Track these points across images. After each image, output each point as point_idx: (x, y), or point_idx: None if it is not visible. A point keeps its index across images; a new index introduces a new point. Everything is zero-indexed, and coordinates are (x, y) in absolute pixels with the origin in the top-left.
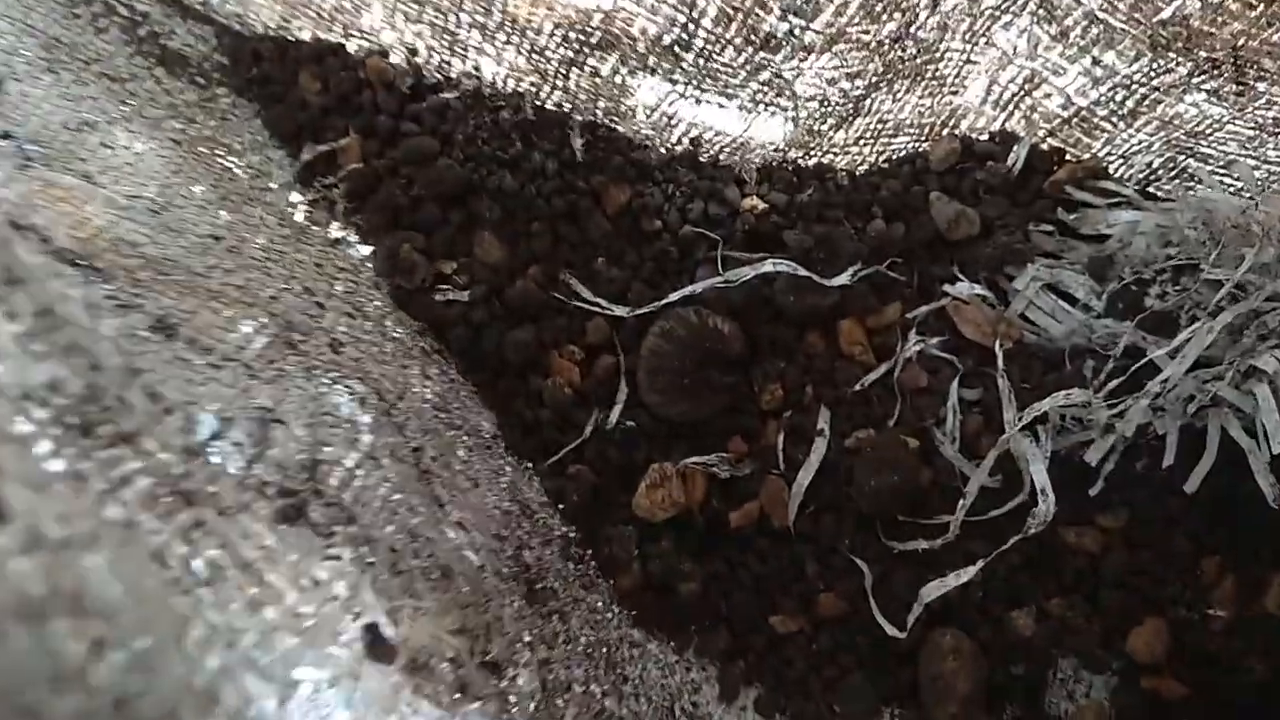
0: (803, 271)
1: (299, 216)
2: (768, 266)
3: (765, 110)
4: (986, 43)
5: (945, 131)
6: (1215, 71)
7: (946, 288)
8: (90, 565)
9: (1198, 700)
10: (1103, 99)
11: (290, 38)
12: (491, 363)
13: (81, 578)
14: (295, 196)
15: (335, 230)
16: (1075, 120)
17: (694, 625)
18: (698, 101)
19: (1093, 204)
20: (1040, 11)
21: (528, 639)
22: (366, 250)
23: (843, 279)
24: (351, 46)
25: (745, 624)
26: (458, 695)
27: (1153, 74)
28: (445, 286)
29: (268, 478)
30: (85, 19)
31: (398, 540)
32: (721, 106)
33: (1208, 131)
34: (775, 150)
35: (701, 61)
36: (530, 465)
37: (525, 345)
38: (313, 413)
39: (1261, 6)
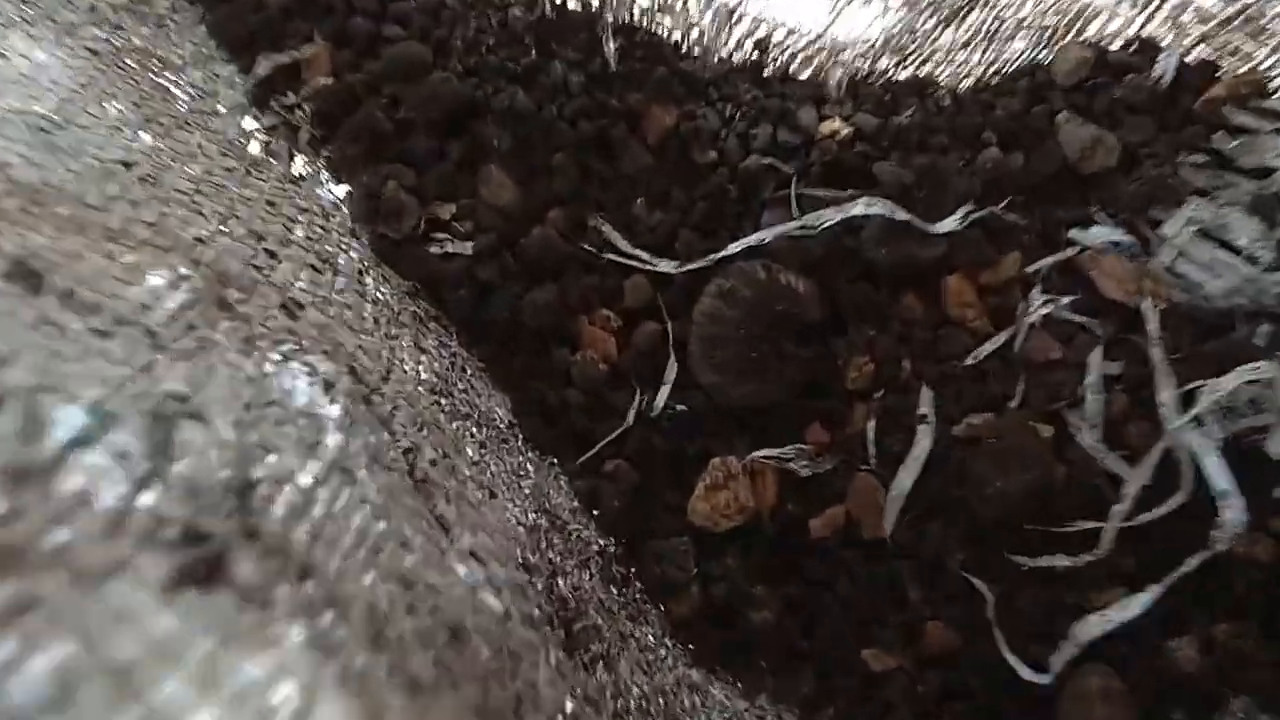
0: (902, 214)
1: (254, 148)
2: (858, 207)
3: None
4: None
5: (1072, 37)
6: None
7: (1076, 234)
8: None
9: None
10: None
11: None
12: (504, 332)
13: None
14: (249, 123)
15: (300, 165)
16: (1237, 21)
17: (768, 663)
18: None
19: (1258, 129)
20: None
21: (570, 708)
22: (341, 191)
23: (951, 223)
24: None
25: (832, 662)
26: None
27: None
28: (442, 235)
29: (166, 511)
30: None
31: (382, 595)
32: None
33: None
34: (862, 58)
35: None
36: (556, 462)
37: (546, 309)
38: (251, 403)
39: None
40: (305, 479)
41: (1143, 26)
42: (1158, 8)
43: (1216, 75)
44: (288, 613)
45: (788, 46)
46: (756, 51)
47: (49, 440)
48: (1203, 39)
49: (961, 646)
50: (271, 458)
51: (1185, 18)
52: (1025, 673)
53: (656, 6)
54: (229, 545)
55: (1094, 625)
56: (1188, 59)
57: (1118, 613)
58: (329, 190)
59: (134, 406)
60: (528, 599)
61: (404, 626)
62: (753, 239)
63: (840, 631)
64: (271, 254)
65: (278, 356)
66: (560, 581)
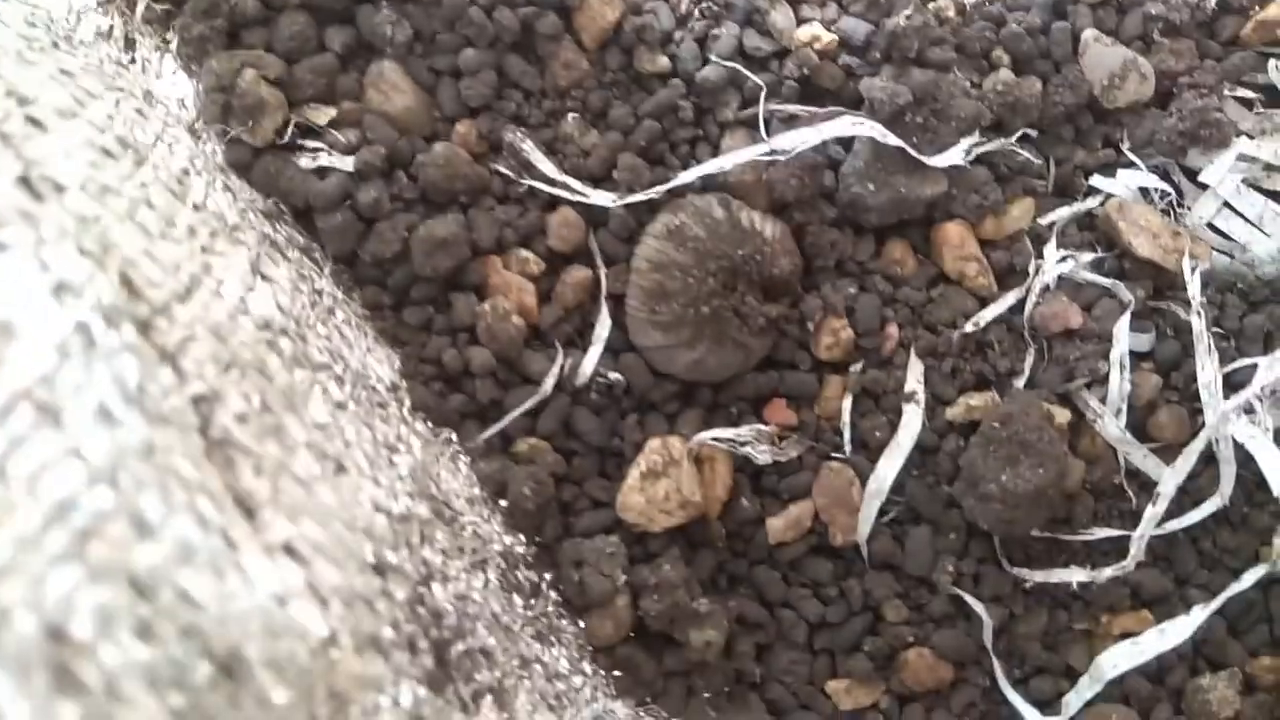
0: (894, 140)
1: (84, 29)
2: (841, 127)
3: None
4: None
5: None
6: None
7: (1099, 180)
8: None
9: None
10: None
11: None
12: (392, 273)
13: None
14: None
15: (143, 50)
16: None
17: (710, 696)
18: None
19: None
20: None
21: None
22: (191, 84)
23: (954, 155)
24: None
25: (791, 695)
26: None
27: None
28: (316, 145)
29: None
30: None
31: (86, 606)
32: None
33: None
34: None
35: None
36: (454, 438)
37: (447, 246)
38: None
39: None
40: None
41: None
42: None
43: None
44: None
45: None
46: None
47: None
48: None
49: (951, 680)
50: None
51: None
52: (1030, 713)
53: None
54: None
55: (1122, 655)
56: None
57: (1154, 641)
58: (174, 81)
59: None
60: (376, 614)
61: (120, 660)
62: (710, 166)
63: (802, 659)
64: (35, 122)
65: None
66: (436, 589)
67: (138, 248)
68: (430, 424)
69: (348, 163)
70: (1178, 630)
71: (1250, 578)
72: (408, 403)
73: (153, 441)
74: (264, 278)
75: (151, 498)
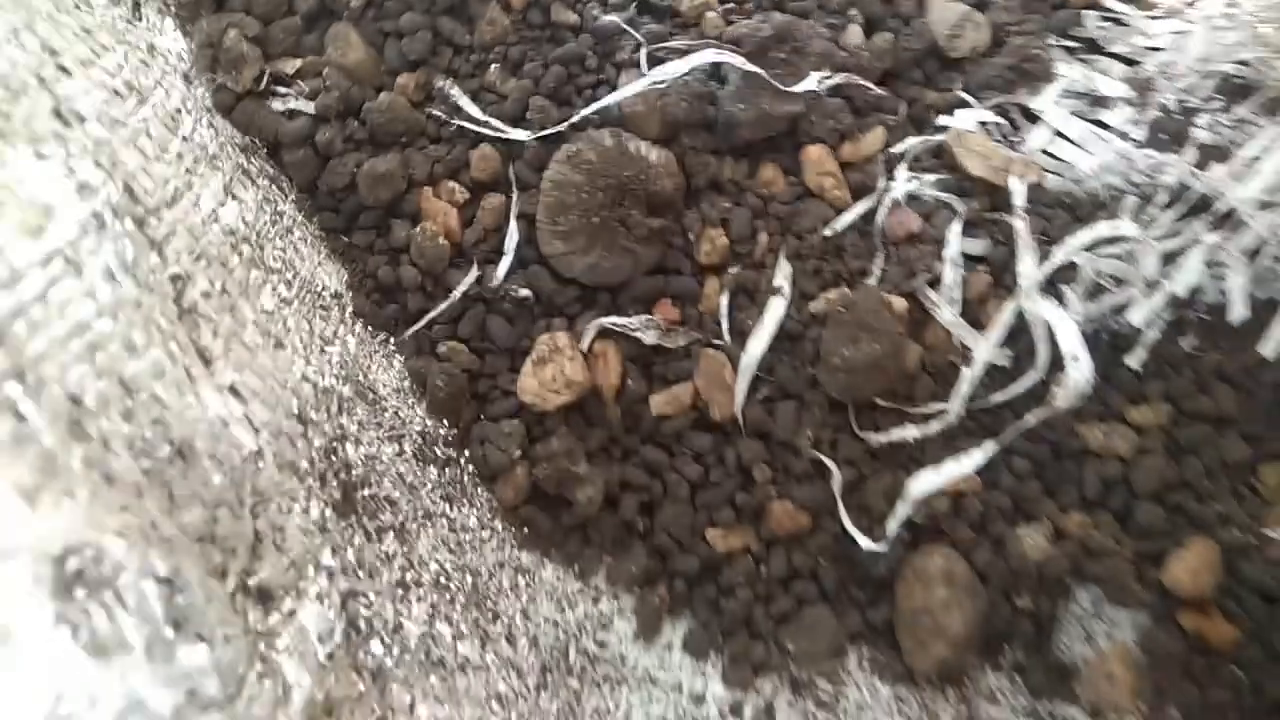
0: (751, 68)
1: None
2: (707, 55)
3: None
4: None
5: None
6: None
7: (944, 119)
8: None
9: (1251, 646)
10: None
11: None
12: (342, 199)
13: None
14: None
15: (148, 13)
16: None
17: (602, 545)
18: None
19: (1129, 15)
20: None
21: (328, 562)
22: (186, 41)
23: (809, 83)
24: None
25: (673, 542)
26: (170, 629)
27: None
28: (285, 91)
29: None
30: None
31: (91, 390)
32: None
33: None
34: None
35: None
36: (390, 339)
37: (387, 179)
38: None
39: None
40: (19, 259)
41: None
42: None
43: None
44: None
45: None
46: None
47: None
48: None
49: (809, 527)
50: None
51: None
52: (865, 543)
53: None
54: None
55: (927, 479)
56: None
57: (952, 468)
58: (172, 38)
59: None
60: (295, 448)
61: (112, 427)
62: (606, 100)
63: (683, 512)
64: (64, 69)
65: (33, 152)
66: (349, 448)
67: (137, 165)
68: (370, 328)
69: (310, 107)
70: (971, 460)
71: (1033, 418)
72: (350, 309)
73: (140, 300)
74: (234, 197)
75: (138, 332)
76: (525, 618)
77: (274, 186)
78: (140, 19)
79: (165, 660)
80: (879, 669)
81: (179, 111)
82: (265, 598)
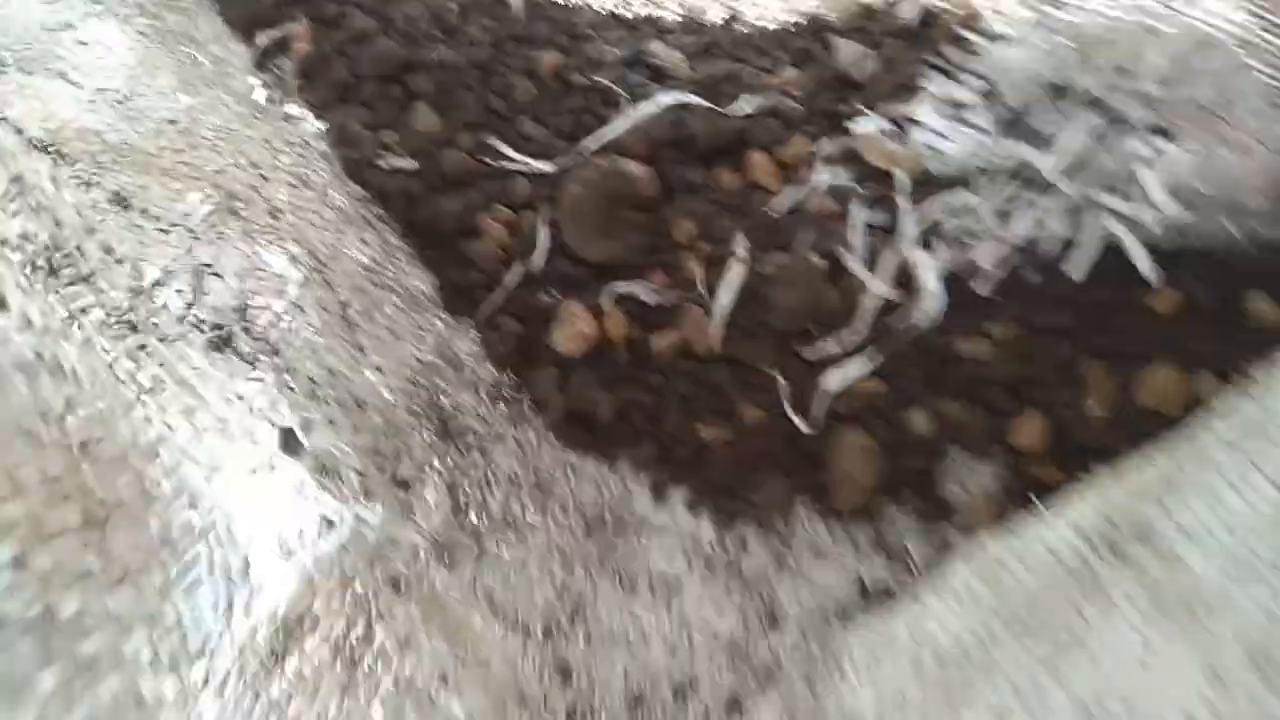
0: (698, 101)
1: (257, 96)
2: (668, 98)
3: None
4: None
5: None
6: None
7: (850, 125)
8: (64, 347)
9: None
10: None
11: None
12: (427, 228)
13: (57, 353)
14: (252, 80)
15: (292, 109)
16: None
17: (621, 443)
18: None
19: (978, 45)
20: None
21: (436, 464)
22: (321, 125)
23: (744, 106)
24: None
25: (672, 438)
26: (361, 496)
27: None
28: (388, 155)
29: (202, 316)
30: None
31: (317, 373)
32: None
33: None
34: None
35: None
36: (466, 320)
37: (456, 212)
38: (246, 268)
39: None
40: (277, 308)
41: None
42: None
43: (945, 12)
44: (265, 369)
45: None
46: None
47: (144, 281)
48: None
49: (766, 419)
50: (258, 297)
51: None
52: (803, 427)
53: None
54: (233, 334)
55: (836, 377)
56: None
57: (855, 369)
58: (311, 124)
59: (183, 268)
60: (411, 401)
61: (328, 392)
62: (603, 135)
63: (681, 418)
64: (264, 177)
65: (264, 242)
66: (442, 399)
67: (315, 236)
68: (454, 315)
69: (405, 164)
70: (857, 365)
71: (906, 335)
72: (441, 305)
73: (324, 319)
74: (364, 242)
75: (334, 340)
76: (572, 495)
77: (385, 226)
78: (292, 120)
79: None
80: (818, 511)
81: (326, 187)
82: (404, 485)
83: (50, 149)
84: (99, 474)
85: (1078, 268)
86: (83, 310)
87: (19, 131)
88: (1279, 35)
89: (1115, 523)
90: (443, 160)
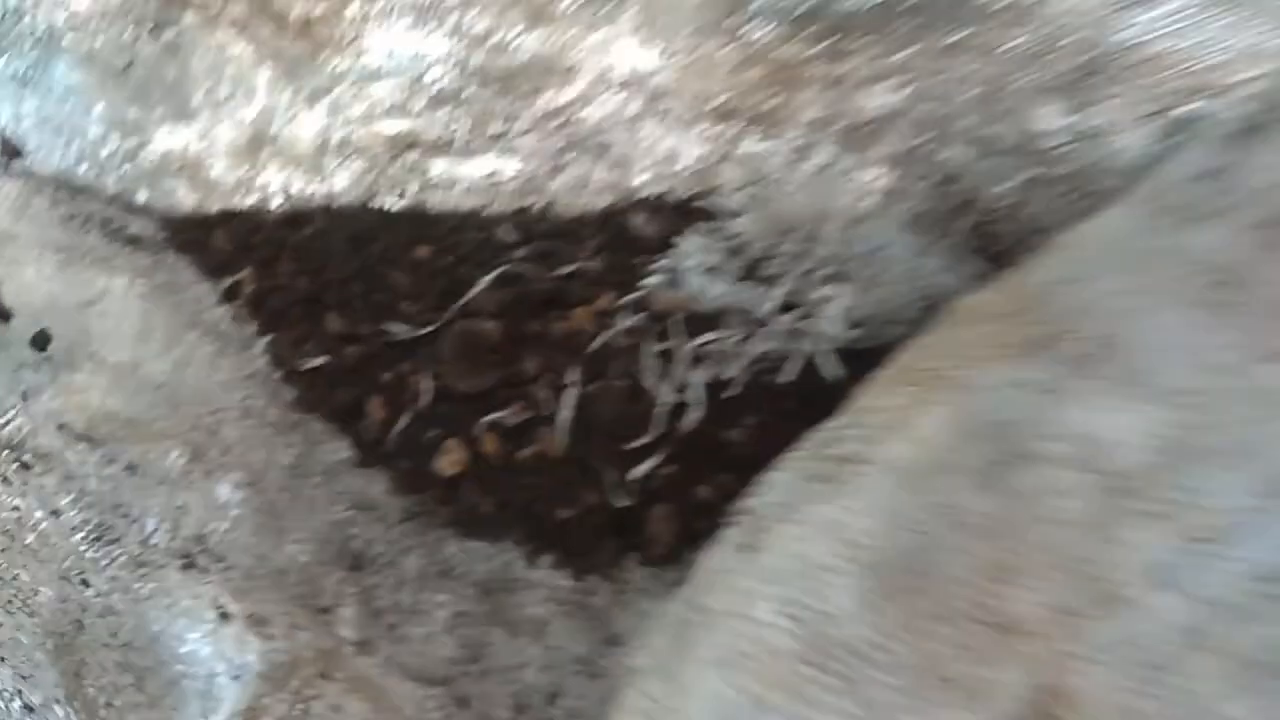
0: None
1: (225, 327)
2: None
3: None
4: None
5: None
6: None
7: (644, 283)
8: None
9: None
10: None
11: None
12: (340, 405)
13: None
14: (220, 312)
15: (247, 332)
16: None
17: (501, 528)
18: None
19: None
20: None
21: (350, 589)
22: (264, 342)
23: (570, 268)
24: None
25: (538, 519)
26: (291, 628)
27: None
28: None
29: (178, 546)
30: (75, 226)
31: (249, 564)
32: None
33: None
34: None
35: None
36: (380, 468)
37: (359, 387)
38: (205, 503)
39: None
40: (224, 526)
41: None
42: None
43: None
44: (214, 573)
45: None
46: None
47: (146, 530)
48: None
49: (601, 501)
50: (213, 523)
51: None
52: (625, 502)
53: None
54: (194, 555)
55: (642, 467)
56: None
57: (653, 460)
58: (259, 347)
59: (167, 513)
60: (324, 552)
61: (259, 573)
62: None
63: (543, 504)
64: (221, 421)
65: (218, 477)
66: (352, 542)
67: (254, 457)
68: (365, 469)
69: (321, 361)
70: (651, 461)
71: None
72: (355, 463)
73: (264, 522)
74: (289, 445)
75: (269, 535)
76: (468, 572)
77: (308, 415)
78: (246, 342)
79: None
80: (640, 562)
81: (266, 408)
82: (324, 611)
83: (85, 438)
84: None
85: (790, 372)
86: (113, 560)
87: (61, 427)
88: None
89: None
90: (345, 352)
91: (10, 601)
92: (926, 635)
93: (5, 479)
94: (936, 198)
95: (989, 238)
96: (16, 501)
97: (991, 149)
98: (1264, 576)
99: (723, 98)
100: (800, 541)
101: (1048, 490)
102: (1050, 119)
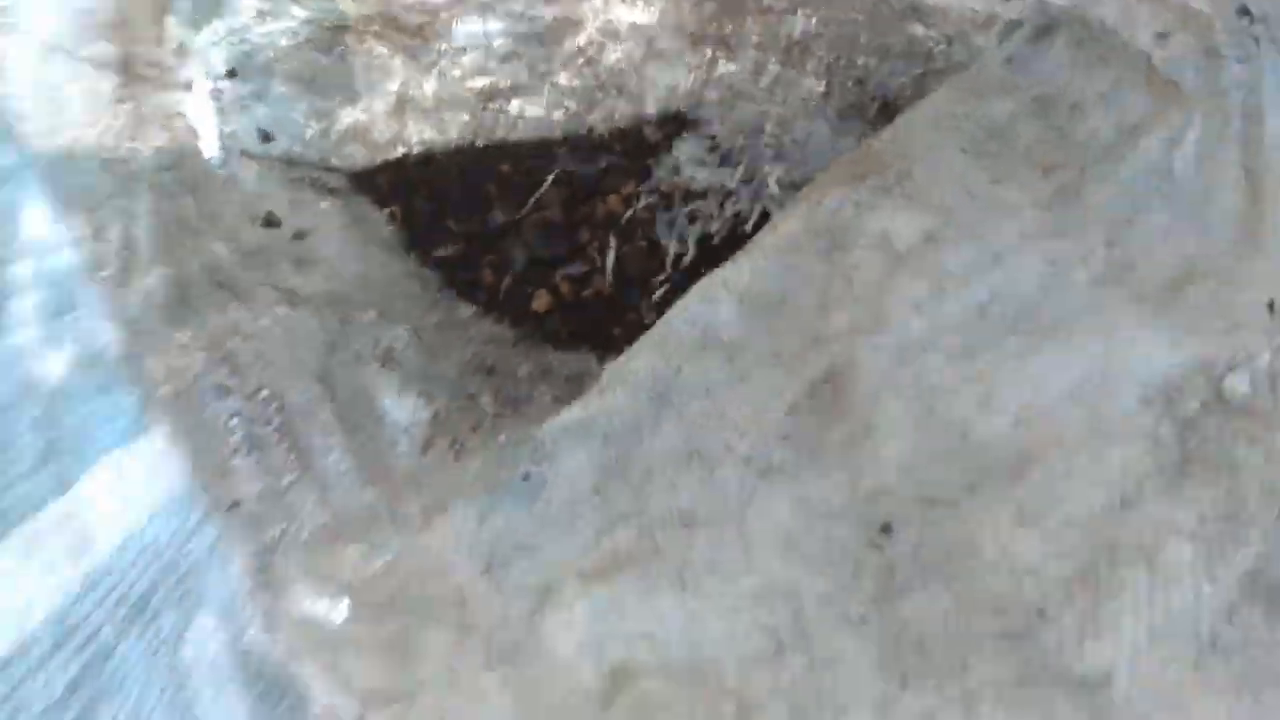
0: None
1: (391, 240)
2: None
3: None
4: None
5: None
6: None
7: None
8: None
9: None
10: None
11: (371, 167)
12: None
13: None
14: (388, 230)
15: (404, 240)
16: None
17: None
18: None
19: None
20: None
21: (486, 385)
22: None
23: (604, 167)
24: None
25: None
26: (449, 404)
27: None
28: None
29: (380, 354)
30: (295, 184)
31: (423, 367)
32: None
33: None
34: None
35: None
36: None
37: (471, 270)
38: (383, 338)
39: None
40: None
41: None
42: None
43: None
44: None
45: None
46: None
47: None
48: None
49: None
50: None
51: None
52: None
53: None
54: None
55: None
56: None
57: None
58: None
59: None
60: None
61: None
62: (536, 196)
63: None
64: None
65: None
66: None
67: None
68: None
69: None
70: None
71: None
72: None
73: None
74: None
75: None
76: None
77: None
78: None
79: None
80: None
81: None
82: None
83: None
84: None
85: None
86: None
87: None
88: None
89: None
90: (463, 242)
91: None
92: (775, 334)
93: None
94: (853, 94)
95: (891, 119)
96: None
97: (888, 55)
98: (982, 304)
99: (693, 28)
100: (710, 280)
101: (857, 264)
102: (921, 29)
